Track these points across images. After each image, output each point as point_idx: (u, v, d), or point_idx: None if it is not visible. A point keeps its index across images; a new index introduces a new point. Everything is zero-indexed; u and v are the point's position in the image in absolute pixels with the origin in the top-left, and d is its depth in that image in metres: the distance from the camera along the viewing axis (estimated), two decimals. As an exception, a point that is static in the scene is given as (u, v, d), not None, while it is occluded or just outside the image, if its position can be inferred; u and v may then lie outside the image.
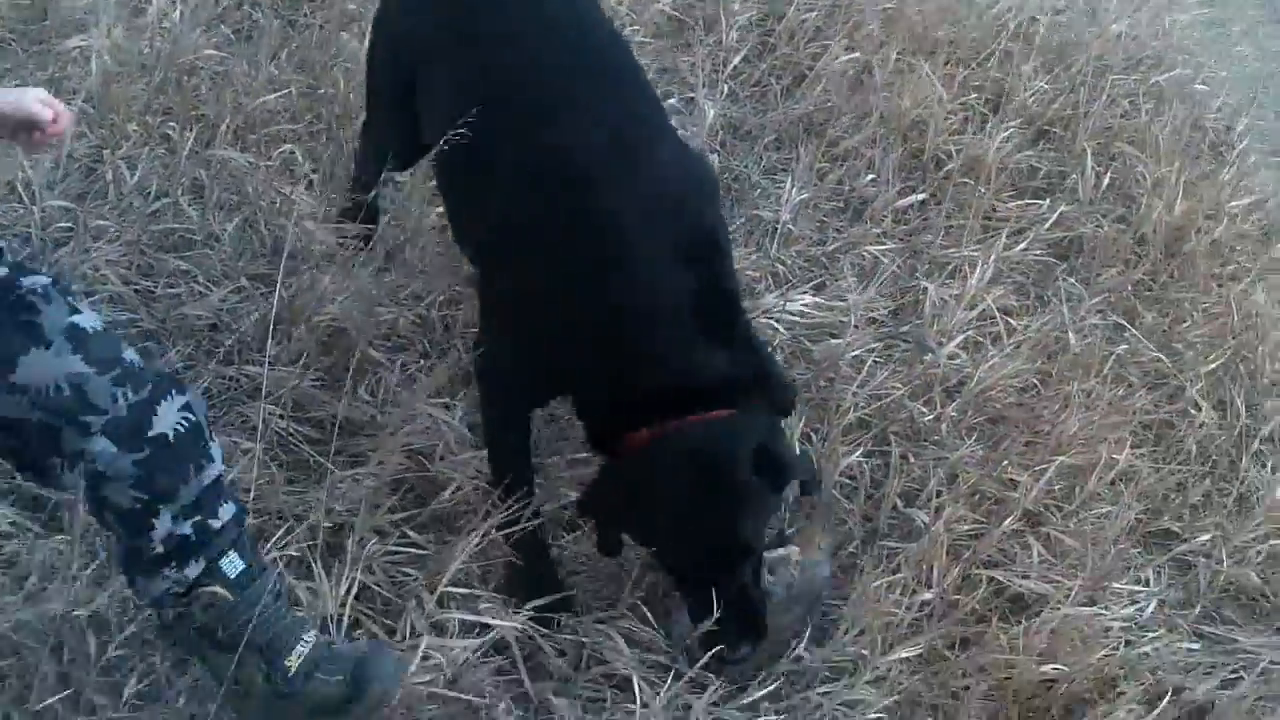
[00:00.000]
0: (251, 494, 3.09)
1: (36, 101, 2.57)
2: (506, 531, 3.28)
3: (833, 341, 4.25)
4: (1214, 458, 4.44)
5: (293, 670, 2.70)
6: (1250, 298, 5.03)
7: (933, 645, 3.43)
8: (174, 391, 2.54)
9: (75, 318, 2.43)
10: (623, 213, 3.19)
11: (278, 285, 3.41)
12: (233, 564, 2.64)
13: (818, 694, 3.30)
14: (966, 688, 3.35)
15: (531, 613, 3.21)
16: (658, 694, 3.12)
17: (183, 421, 2.54)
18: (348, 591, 3.07)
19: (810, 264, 4.66)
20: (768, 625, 3.25)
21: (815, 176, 4.97)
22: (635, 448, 3.20)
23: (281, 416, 3.48)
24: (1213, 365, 4.64)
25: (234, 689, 2.72)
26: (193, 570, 2.61)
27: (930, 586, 3.53)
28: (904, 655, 3.36)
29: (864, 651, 3.40)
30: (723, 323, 3.26)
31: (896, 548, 3.66)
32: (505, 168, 3.31)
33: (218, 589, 2.62)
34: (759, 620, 3.24)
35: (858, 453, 3.88)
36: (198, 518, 2.58)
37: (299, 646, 2.72)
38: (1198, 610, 3.88)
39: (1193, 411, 4.48)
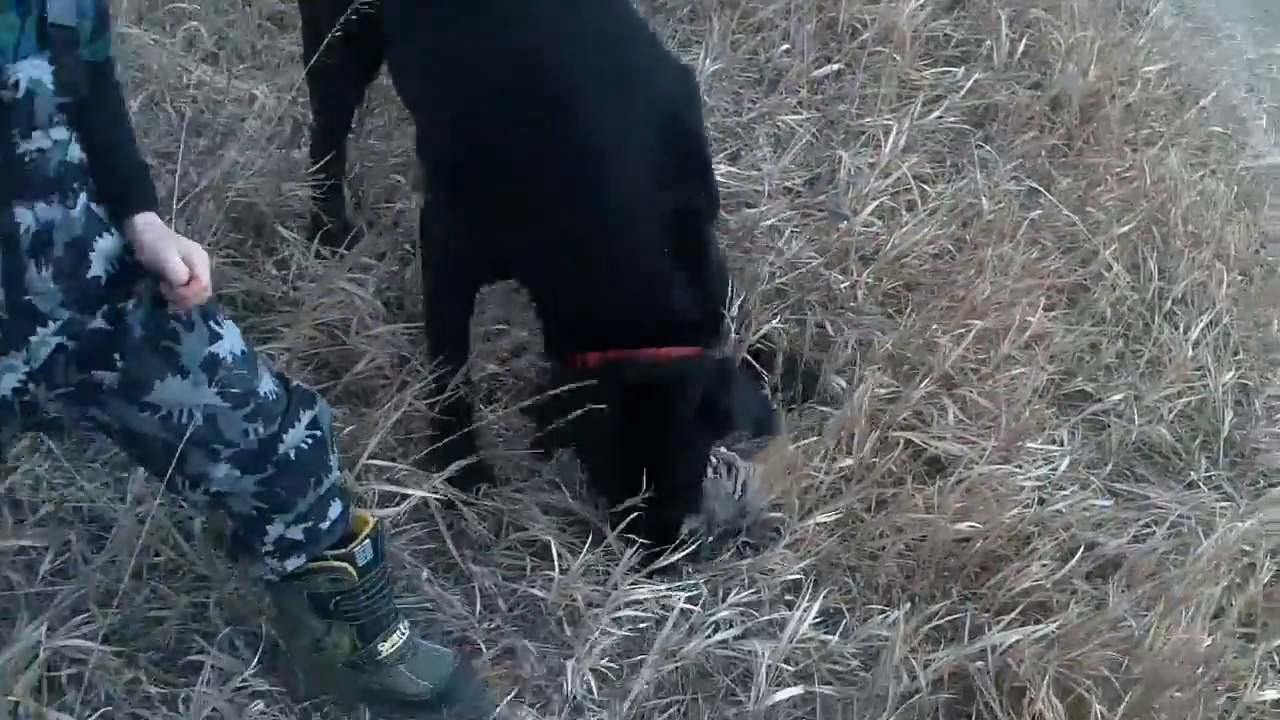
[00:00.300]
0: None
1: (176, 255, 2.26)
2: (430, 401, 3.28)
3: (748, 211, 4.25)
4: (1127, 319, 4.48)
5: (382, 655, 2.75)
6: (1163, 162, 5.06)
7: (850, 508, 3.46)
8: (304, 409, 2.53)
9: (215, 346, 2.38)
10: (606, 126, 3.13)
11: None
12: (365, 553, 2.67)
13: (735, 559, 3.34)
14: (883, 548, 3.39)
15: (449, 481, 3.20)
16: (576, 559, 3.14)
17: (308, 439, 2.53)
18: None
19: (725, 134, 4.65)
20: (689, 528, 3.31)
21: (729, 48, 4.95)
22: (588, 367, 3.17)
23: (192, 294, 3.44)
24: (1126, 228, 4.66)
25: (313, 650, 2.77)
26: (292, 563, 2.63)
27: (849, 453, 3.56)
28: (822, 520, 3.40)
29: (783, 516, 3.43)
30: (696, 255, 3.24)
31: (815, 413, 3.68)
32: (482, 68, 3.20)
33: (349, 568, 2.65)
34: (668, 544, 3.26)
35: (775, 320, 3.89)
36: (308, 524, 2.60)
37: (394, 636, 2.76)
38: (1110, 468, 3.93)
39: (1106, 274, 4.52)
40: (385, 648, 2.74)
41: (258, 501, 2.52)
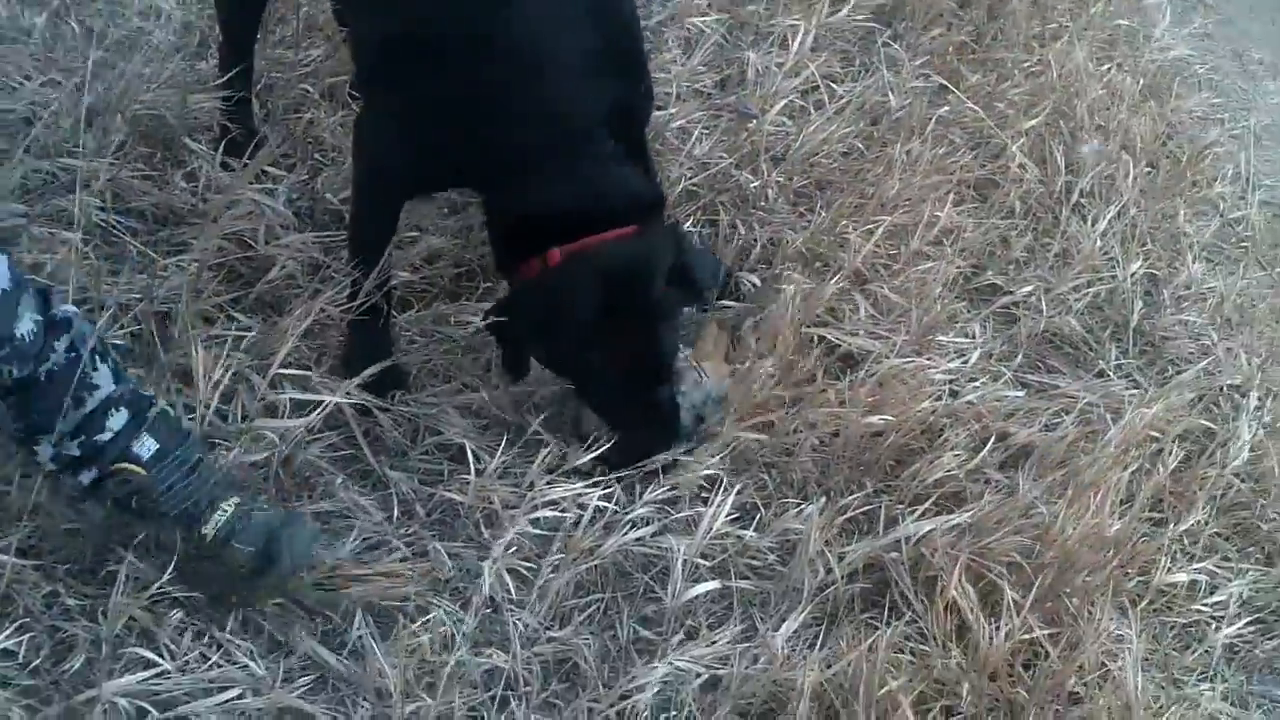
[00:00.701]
0: (71, 286, 3.04)
1: None
2: (344, 307, 3.28)
3: (658, 113, 4.24)
4: (1036, 212, 4.53)
5: (210, 537, 2.73)
6: (1070, 56, 5.09)
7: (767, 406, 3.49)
8: (59, 336, 2.53)
9: None
10: (543, 14, 3.10)
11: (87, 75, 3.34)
12: (146, 447, 2.66)
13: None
14: (798, 444, 3.42)
15: (363, 389, 3.20)
16: (493, 460, 3.16)
17: (60, 362, 2.54)
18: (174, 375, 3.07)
19: (634, 37, 4.63)
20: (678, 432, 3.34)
21: (636, -50, 4.92)
22: (553, 266, 3.14)
23: (102, 208, 3.42)
24: (1033, 122, 4.70)
25: (161, 550, 2.78)
26: (87, 477, 2.65)
27: (762, 356, 3.59)
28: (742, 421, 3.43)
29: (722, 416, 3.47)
30: (635, 135, 3.25)
31: (730, 311, 3.71)
32: None
33: (131, 467, 2.65)
34: (674, 429, 3.32)
35: (688, 223, 3.91)
36: (82, 438, 2.60)
37: (216, 514, 2.74)
38: (1020, 359, 3.98)
39: (1015, 168, 4.54)
40: (209, 529, 2.73)
41: (16, 424, 2.56)
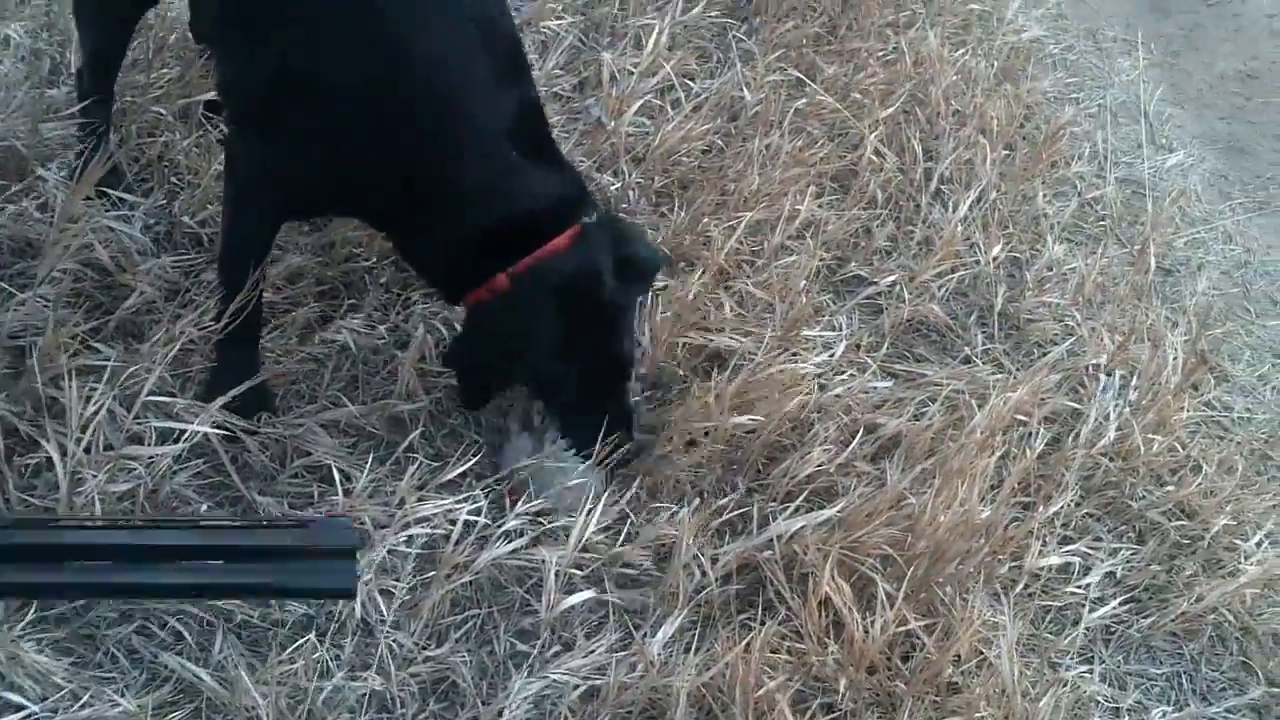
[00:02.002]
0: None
1: None
2: (208, 329, 3.24)
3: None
4: (897, 200, 4.55)
5: None
6: (924, 42, 5.13)
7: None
8: None
9: None
10: (436, 44, 3.06)
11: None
12: None
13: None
14: (669, 450, 3.43)
15: (229, 412, 3.14)
16: (362, 477, 3.15)
17: None
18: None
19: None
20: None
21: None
22: (501, 291, 3.13)
23: (-50, 244, 3.37)
24: (890, 110, 4.72)
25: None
26: None
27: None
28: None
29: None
30: (543, 141, 3.22)
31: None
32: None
33: None
34: (631, 421, 3.37)
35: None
36: None
37: None
38: (886, 349, 4.00)
39: (873, 157, 4.57)
40: None
41: None
